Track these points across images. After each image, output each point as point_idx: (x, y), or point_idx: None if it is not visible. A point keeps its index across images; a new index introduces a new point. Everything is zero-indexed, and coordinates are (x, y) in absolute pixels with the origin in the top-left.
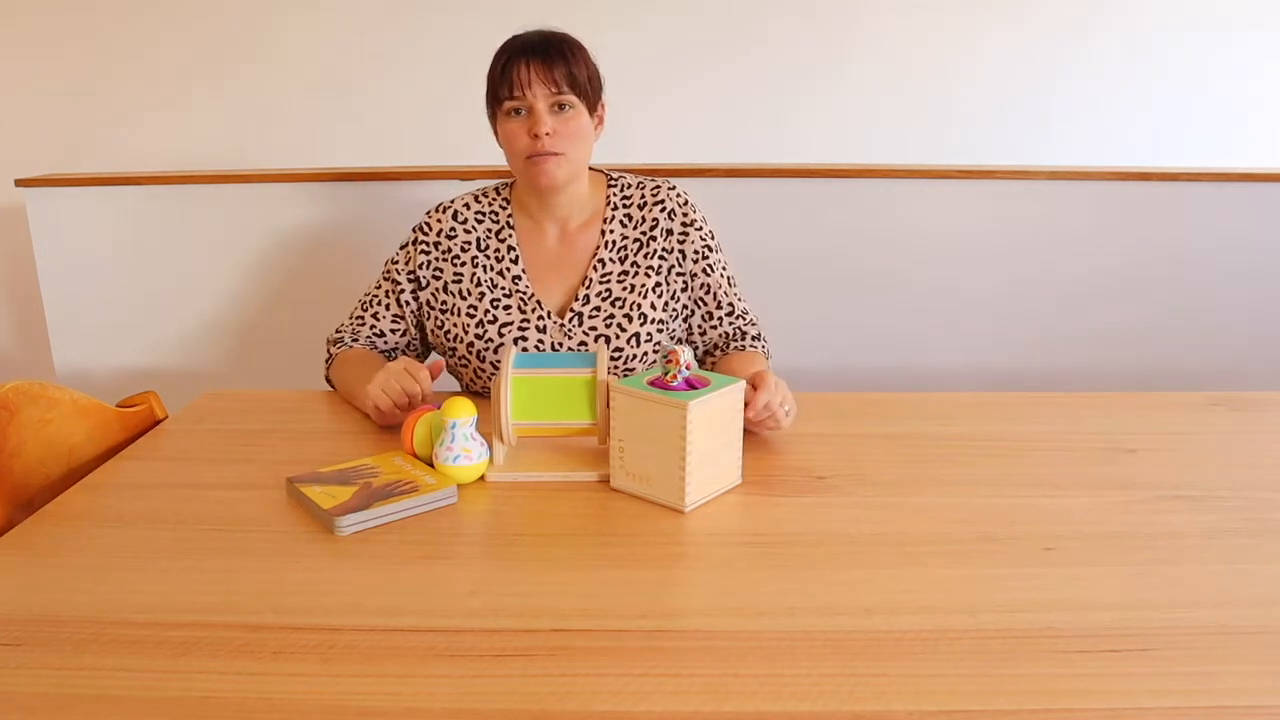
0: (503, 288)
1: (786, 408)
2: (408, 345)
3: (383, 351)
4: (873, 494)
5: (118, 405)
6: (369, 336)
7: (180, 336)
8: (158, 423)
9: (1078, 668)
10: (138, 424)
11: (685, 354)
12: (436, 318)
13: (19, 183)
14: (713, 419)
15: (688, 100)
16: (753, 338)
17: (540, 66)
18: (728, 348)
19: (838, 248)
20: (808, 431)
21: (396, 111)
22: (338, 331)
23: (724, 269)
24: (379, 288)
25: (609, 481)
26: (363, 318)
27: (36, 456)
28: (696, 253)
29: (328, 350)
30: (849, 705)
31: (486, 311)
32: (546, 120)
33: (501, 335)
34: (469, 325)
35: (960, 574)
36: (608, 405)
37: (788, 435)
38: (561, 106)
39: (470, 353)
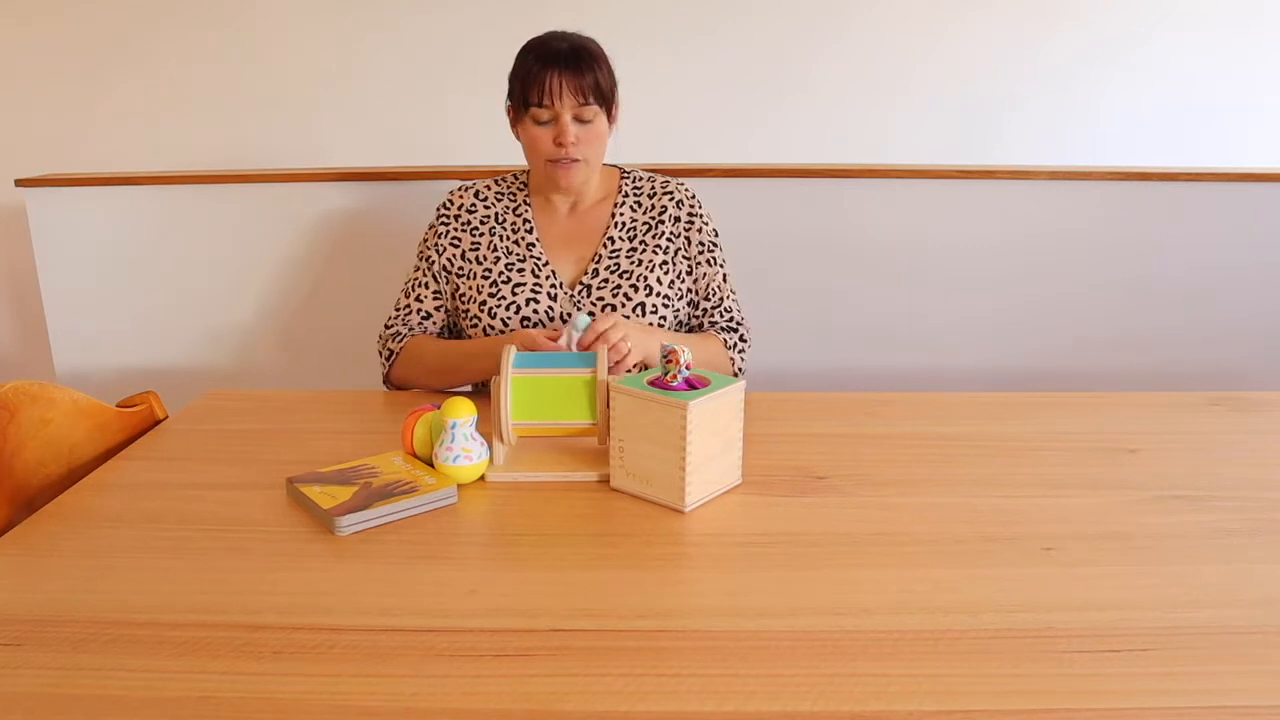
0: (517, 254)
1: (629, 345)
2: (453, 324)
3: (433, 334)
4: (873, 494)
5: (118, 405)
6: (419, 321)
7: (180, 336)
8: (158, 423)
9: (1078, 668)
10: (138, 424)
11: (685, 354)
12: (454, 281)
13: (19, 183)
14: (713, 419)
15: (687, 100)
16: (729, 331)
17: (571, 78)
18: None
19: (838, 248)
20: (808, 431)
21: (397, 111)
22: (388, 326)
23: (723, 265)
24: (416, 270)
25: (609, 481)
26: (408, 305)
27: (36, 456)
28: (702, 244)
29: (386, 348)
30: (849, 705)
31: (501, 274)
32: (571, 130)
33: (515, 294)
34: (483, 286)
35: (960, 574)
36: (608, 405)
37: (788, 435)
38: (585, 117)
39: (482, 311)
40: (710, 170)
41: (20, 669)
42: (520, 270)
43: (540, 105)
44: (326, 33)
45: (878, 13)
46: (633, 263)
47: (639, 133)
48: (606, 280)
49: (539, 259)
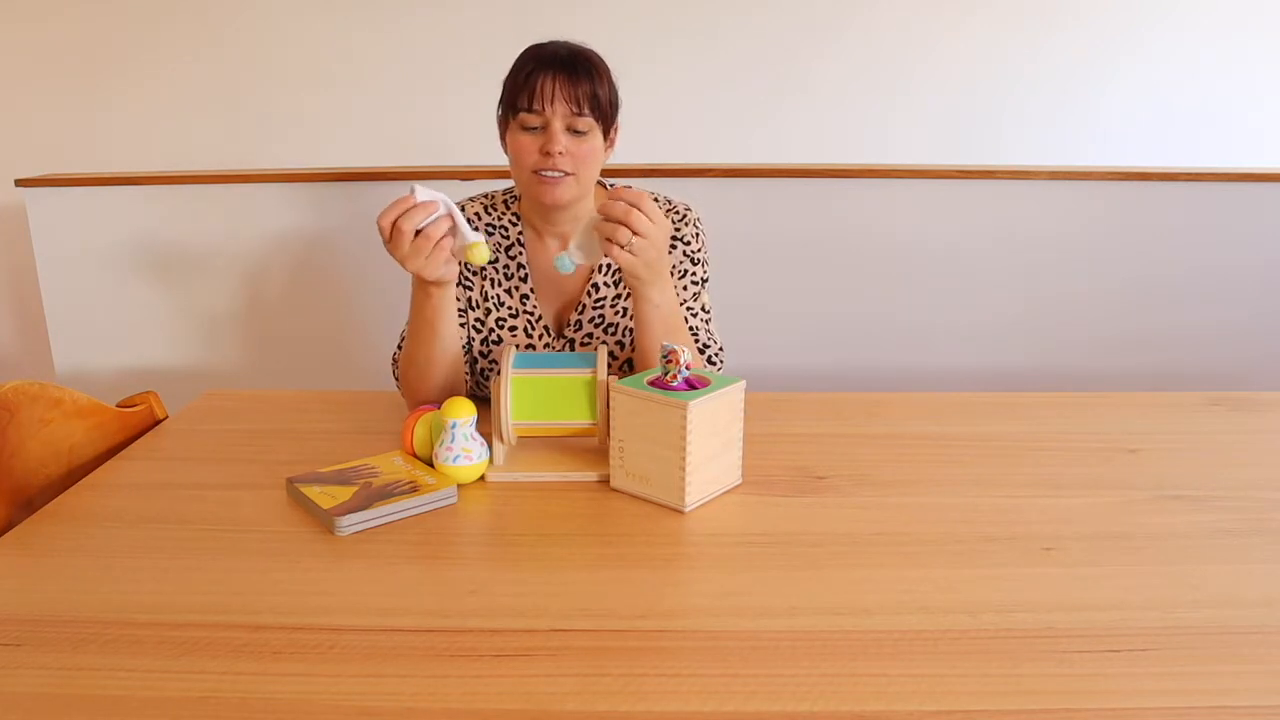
0: (509, 306)
1: (636, 238)
2: (466, 340)
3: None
4: (873, 494)
5: (118, 405)
6: None
7: (180, 336)
8: (158, 423)
9: (1078, 668)
10: (138, 424)
11: (685, 354)
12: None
13: (19, 183)
14: (713, 419)
15: (687, 100)
16: (697, 353)
17: (565, 83)
18: None
19: (838, 248)
20: (808, 431)
21: (397, 111)
22: (399, 346)
23: (698, 284)
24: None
25: (609, 481)
26: None
27: (37, 456)
28: (674, 267)
29: (398, 367)
30: (849, 705)
31: (492, 330)
32: (561, 139)
33: (503, 335)
34: (475, 339)
35: (960, 574)
36: (608, 405)
37: (788, 435)
38: (578, 128)
39: (474, 369)
40: (710, 170)
41: (20, 669)
42: (513, 329)
43: (530, 110)
44: (326, 33)
45: (877, 13)
46: (616, 312)
47: (639, 133)
48: (591, 335)
49: (532, 314)
